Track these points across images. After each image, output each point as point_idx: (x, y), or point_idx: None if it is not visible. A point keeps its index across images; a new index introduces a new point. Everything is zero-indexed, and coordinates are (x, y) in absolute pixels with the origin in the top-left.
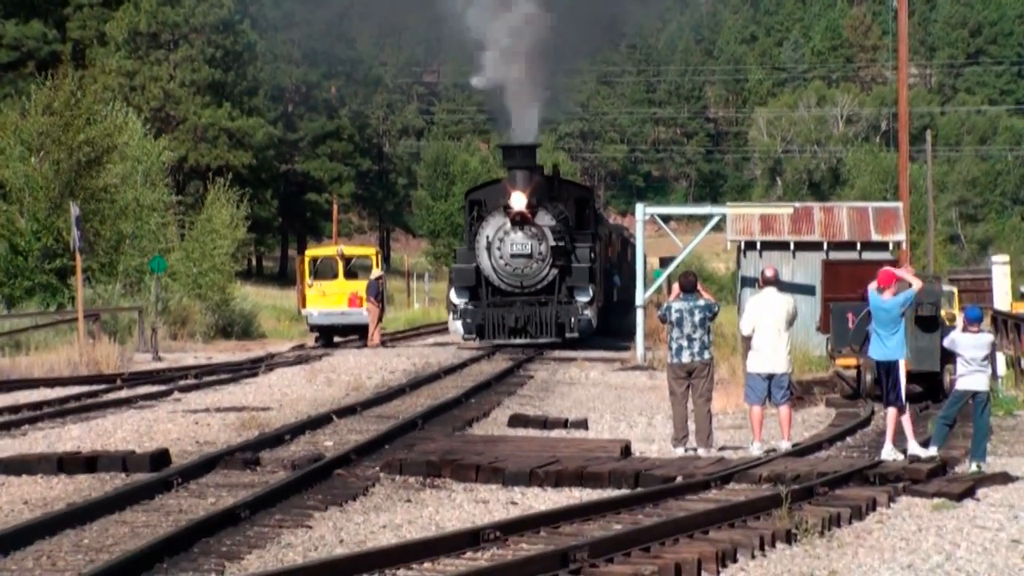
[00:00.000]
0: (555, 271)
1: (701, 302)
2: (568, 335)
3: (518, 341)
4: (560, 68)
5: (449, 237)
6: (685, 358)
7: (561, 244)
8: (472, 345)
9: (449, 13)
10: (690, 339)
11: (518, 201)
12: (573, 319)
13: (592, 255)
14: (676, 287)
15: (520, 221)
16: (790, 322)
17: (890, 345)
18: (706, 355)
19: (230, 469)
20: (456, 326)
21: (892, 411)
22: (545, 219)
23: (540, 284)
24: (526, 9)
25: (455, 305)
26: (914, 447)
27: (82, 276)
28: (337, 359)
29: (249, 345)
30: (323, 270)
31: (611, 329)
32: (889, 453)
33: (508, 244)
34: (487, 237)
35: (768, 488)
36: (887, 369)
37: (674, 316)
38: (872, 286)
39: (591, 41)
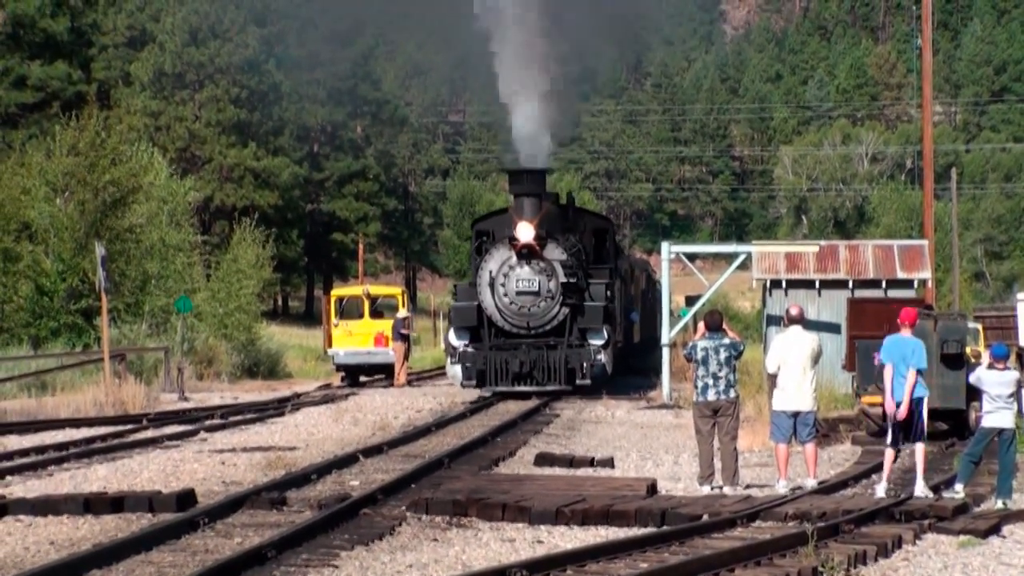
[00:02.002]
0: (566, 310)
1: (726, 341)
2: (579, 382)
3: (523, 388)
4: (574, 89)
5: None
6: (711, 396)
7: (573, 280)
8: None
9: (473, 38)
10: (716, 377)
11: (525, 232)
12: (585, 364)
13: (609, 293)
14: (702, 325)
15: (527, 254)
16: (815, 360)
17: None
18: (732, 393)
19: (256, 509)
20: (454, 371)
21: (920, 447)
22: (555, 252)
23: (549, 325)
24: (534, 26)
25: (454, 348)
26: (921, 487)
27: (108, 316)
28: (363, 399)
29: (275, 385)
30: (349, 310)
31: (634, 368)
32: (921, 490)
33: (513, 280)
34: (490, 272)
35: (794, 526)
36: (911, 407)
37: (700, 354)
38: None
39: (604, 60)
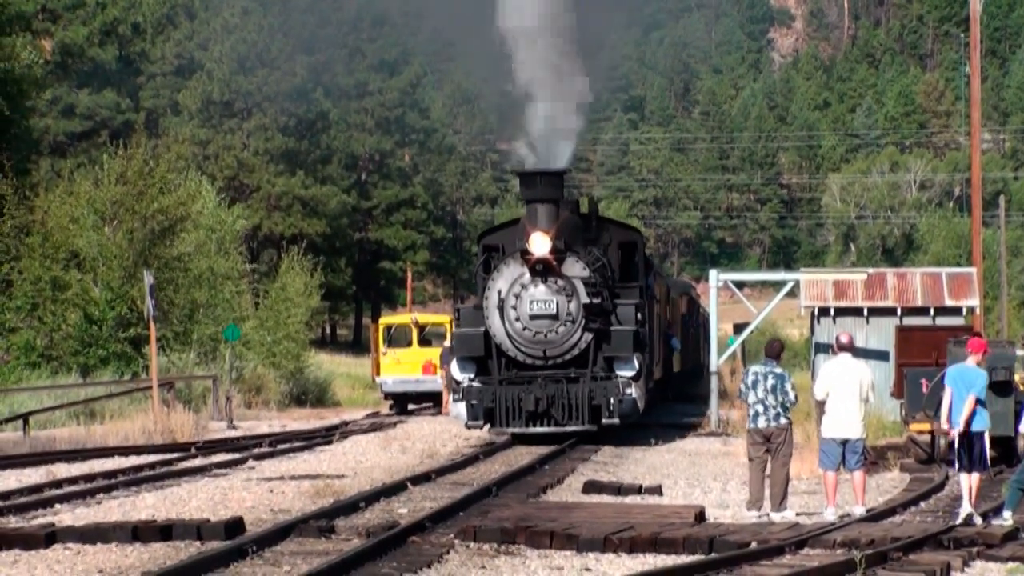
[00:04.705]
0: (589, 336)
1: (778, 370)
2: (605, 421)
3: (539, 429)
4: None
5: None
6: (761, 424)
7: (597, 301)
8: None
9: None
10: (764, 404)
11: (539, 244)
12: (612, 400)
13: (639, 315)
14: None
15: (542, 271)
16: (867, 397)
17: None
18: (782, 420)
19: (305, 537)
20: (458, 409)
21: (976, 476)
22: (575, 268)
23: (569, 354)
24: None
25: (457, 382)
26: (968, 508)
27: (156, 345)
28: (411, 426)
29: (323, 413)
30: (397, 338)
31: (676, 396)
32: (971, 517)
33: (526, 301)
34: (499, 292)
35: (842, 553)
36: (971, 437)
37: (751, 378)
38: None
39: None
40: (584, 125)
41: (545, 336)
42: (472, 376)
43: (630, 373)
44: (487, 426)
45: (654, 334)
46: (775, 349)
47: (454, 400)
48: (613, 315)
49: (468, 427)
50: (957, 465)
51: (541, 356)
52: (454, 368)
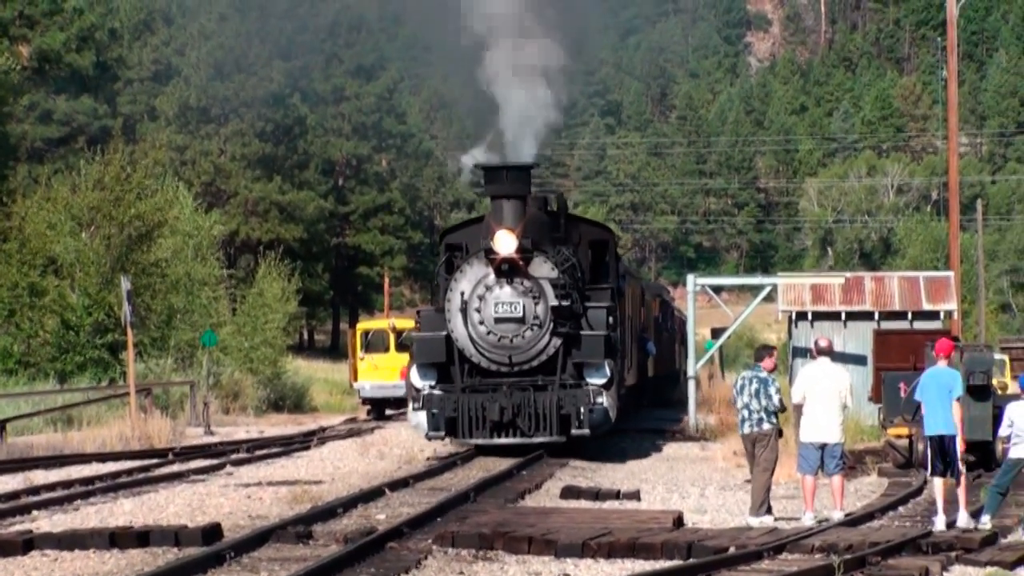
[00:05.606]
0: (557, 341)
1: (762, 374)
2: (575, 432)
3: (504, 440)
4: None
5: None
6: (746, 430)
7: (566, 304)
8: None
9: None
10: (748, 409)
11: (505, 243)
12: (582, 409)
13: (611, 319)
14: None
15: (508, 271)
16: (845, 402)
17: (946, 418)
18: (764, 426)
19: (282, 543)
20: (418, 419)
21: (943, 480)
22: (543, 268)
23: (536, 360)
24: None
25: (417, 390)
26: (952, 517)
27: (133, 351)
28: (389, 432)
29: (301, 419)
30: (375, 343)
31: (652, 402)
32: (942, 523)
33: (491, 303)
34: (462, 294)
35: (821, 558)
36: (941, 441)
37: (739, 383)
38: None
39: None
40: (555, 120)
41: (511, 341)
42: (433, 383)
43: (601, 381)
44: (448, 437)
45: (627, 338)
46: (759, 354)
47: (413, 409)
48: (583, 319)
49: (428, 438)
50: (930, 470)
51: (507, 362)
52: (413, 375)
